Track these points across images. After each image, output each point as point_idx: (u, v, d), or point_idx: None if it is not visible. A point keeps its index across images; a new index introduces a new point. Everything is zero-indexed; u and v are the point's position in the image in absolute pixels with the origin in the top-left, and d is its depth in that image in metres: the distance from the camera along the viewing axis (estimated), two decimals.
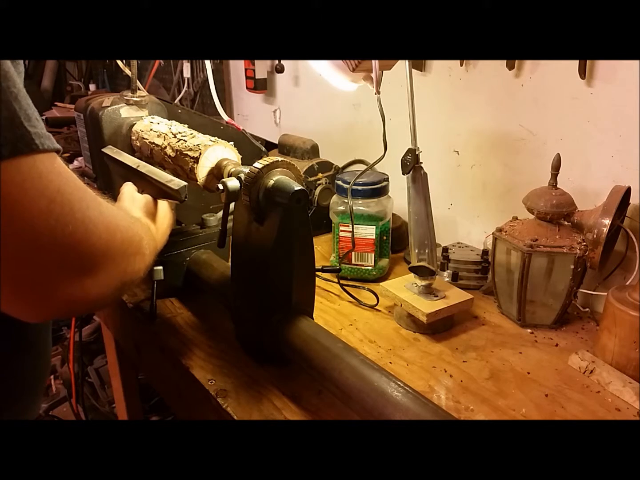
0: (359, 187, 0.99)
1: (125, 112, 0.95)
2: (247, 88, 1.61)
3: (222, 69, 1.81)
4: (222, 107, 1.15)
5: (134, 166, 0.80)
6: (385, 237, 1.04)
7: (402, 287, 0.88)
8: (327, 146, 1.29)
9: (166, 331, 0.85)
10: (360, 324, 0.89)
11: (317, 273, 0.99)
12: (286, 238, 0.69)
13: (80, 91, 2.53)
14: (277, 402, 0.69)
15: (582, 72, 0.85)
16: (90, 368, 1.72)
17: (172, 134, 0.86)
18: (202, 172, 0.79)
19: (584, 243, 0.81)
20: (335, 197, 1.05)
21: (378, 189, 1.01)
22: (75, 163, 1.71)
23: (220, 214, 0.86)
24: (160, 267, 0.83)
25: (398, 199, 1.03)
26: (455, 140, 1.10)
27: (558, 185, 0.84)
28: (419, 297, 0.85)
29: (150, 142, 0.89)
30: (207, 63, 1.23)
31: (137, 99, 0.96)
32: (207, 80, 1.19)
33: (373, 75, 0.75)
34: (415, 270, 0.84)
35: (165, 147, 0.85)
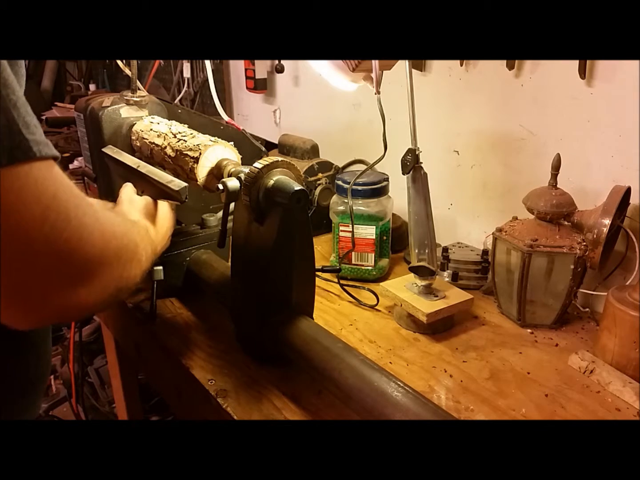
0: (359, 187, 0.99)
1: (125, 112, 0.95)
2: (247, 88, 1.61)
3: (222, 69, 1.81)
4: (222, 107, 1.15)
5: (134, 166, 0.80)
6: (385, 237, 1.04)
7: (402, 287, 0.88)
8: (327, 146, 1.29)
9: (166, 331, 0.85)
10: (360, 324, 0.89)
11: (317, 273, 0.99)
12: (286, 238, 0.69)
13: (80, 91, 2.53)
14: (277, 402, 0.69)
15: (582, 72, 0.85)
16: (90, 368, 1.72)
17: (172, 134, 0.86)
18: (202, 172, 0.79)
19: (584, 243, 0.81)
20: (335, 197, 1.05)
21: (378, 189, 1.01)
22: (75, 163, 1.71)
23: (220, 214, 0.86)
24: (160, 267, 0.83)
25: (398, 199, 1.03)
26: (455, 140, 1.10)
27: (558, 185, 0.84)
28: (419, 297, 0.85)
29: (150, 142, 0.89)
30: (207, 63, 1.23)
31: (137, 99, 0.96)
32: (207, 80, 1.19)
33: (373, 75, 0.75)
34: (415, 270, 0.84)
35: (165, 147, 0.85)
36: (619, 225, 0.83)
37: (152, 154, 0.89)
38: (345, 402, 0.61)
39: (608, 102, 0.84)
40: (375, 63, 0.74)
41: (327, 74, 0.79)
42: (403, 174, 0.82)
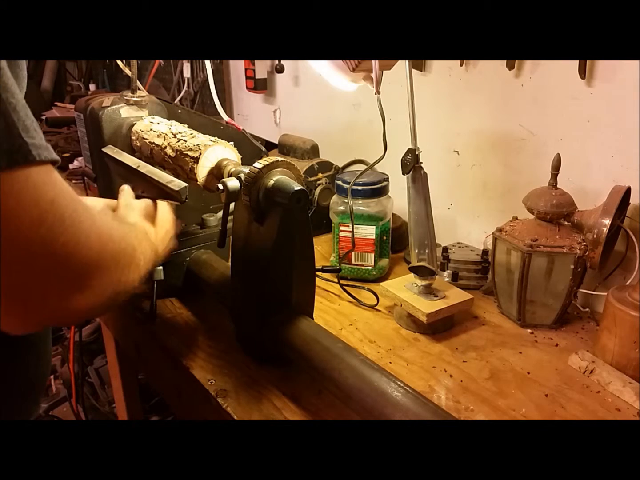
0: (359, 187, 0.99)
1: (125, 112, 0.95)
2: (247, 88, 1.61)
3: (222, 69, 1.81)
4: (222, 107, 1.15)
5: (134, 166, 0.80)
6: (385, 237, 1.04)
7: (402, 287, 0.88)
8: (327, 146, 1.29)
9: (166, 331, 0.85)
10: (360, 324, 0.89)
11: (317, 273, 0.99)
12: (286, 238, 0.69)
13: (80, 91, 2.53)
14: (277, 402, 0.69)
15: (582, 72, 0.85)
16: (90, 368, 1.72)
17: (172, 134, 0.86)
18: (202, 172, 0.79)
19: (584, 243, 0.81)
20: (335, 197, 1.05)
21: (378, 189, 1.01)
22: (75, 163, 1.70)
23: (220, 214, 0.86)
24: (160, 267, 0.83)
25: (398, 199, 1.03)
26: (455, 140, 1.10)
27: (558, 185, 0.84)
28: (419, 297, 0.85)
29: (150, 142, 0.89)
30: (207, 63, 1.23)
31: (137, 99, 0.96)
32: (207, 80, 1.19)
33: (373, 75, 0.75)
34: (415, 270, 0.85)
35: (165, 147, 0.85)
36: (619, 225, 0.83)
37: (152, 154, 0.89)
38: (345, 402, 0.61)
39: (608, 102, 0.84)
40: (375, 63, 0.74)
41: (327, 74, 0.79)
42: (403, 174, 0.82)
